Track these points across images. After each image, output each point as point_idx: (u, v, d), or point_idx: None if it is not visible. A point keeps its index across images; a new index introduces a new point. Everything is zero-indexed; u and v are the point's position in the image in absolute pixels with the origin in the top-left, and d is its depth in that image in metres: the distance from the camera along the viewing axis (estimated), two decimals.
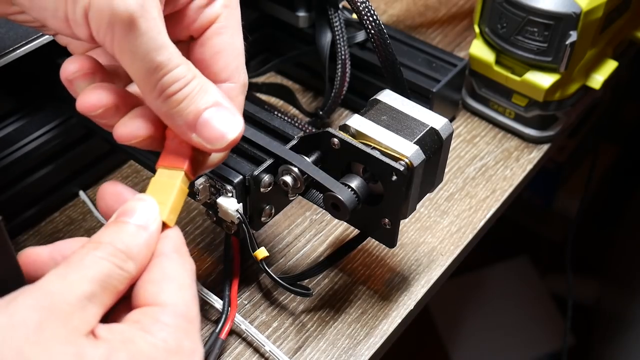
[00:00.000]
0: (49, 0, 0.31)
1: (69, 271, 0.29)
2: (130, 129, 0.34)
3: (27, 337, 0.26)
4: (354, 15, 0.55)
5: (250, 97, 0.56)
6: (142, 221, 0.31)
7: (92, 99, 0.33)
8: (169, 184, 0.34)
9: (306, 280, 0.47)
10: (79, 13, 0.30)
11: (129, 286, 0.30)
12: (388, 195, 0.40)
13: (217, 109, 0.34)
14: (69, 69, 0.34)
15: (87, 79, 0.34)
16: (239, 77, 0.36)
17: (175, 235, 0.33)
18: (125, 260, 0.30)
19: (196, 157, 0.35)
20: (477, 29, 0.58)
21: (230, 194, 0.41)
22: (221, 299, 0.45)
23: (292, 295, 0.47)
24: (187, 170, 0.35)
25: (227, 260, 0.47)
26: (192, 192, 0.41)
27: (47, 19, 0.32)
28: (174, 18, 0.35)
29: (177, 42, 0.36)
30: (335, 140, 0.41)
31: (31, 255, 0.32)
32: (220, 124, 0.34)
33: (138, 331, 0.29)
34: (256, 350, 0.44)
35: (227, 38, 0.35)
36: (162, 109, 0.33)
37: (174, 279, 0.31)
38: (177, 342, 0.29)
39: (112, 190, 0.34)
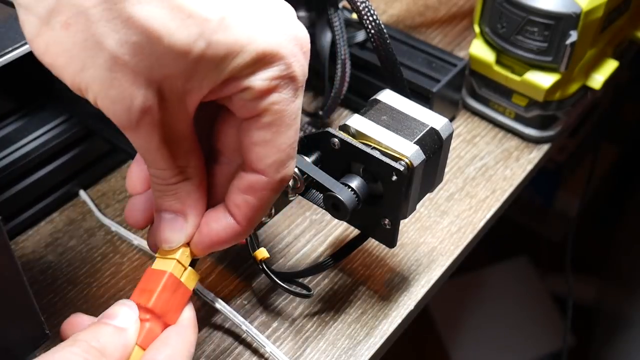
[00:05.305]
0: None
1: None
2: None
3: None
4: (354, 15, 0.55)
5: None
6: (122, 323, 0.33)
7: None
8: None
9: (306, 280, 0.47)
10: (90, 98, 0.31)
11: None
12: (388, 195, 0.40)
13: (174, 216, 0.35)
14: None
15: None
16: (273, 173, 0.35)
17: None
18: (98, 357, 0.31)
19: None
20: (477, 29, 0.58)
21: None
22: (222, 299, 0.45)
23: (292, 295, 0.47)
24: (181, 259, 0.36)
25: None
26: None
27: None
28: (221, 100, 0.35)
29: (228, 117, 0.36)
30: (335, 140, 0.41)
31: (75, 321, 0.35)
32: (165, 230, 0.35)
33: None
34: (256, 350, 0.44)
35: (268, 135, 0.34)
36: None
37: None
38: None
39: (75, 321, 0.36)
